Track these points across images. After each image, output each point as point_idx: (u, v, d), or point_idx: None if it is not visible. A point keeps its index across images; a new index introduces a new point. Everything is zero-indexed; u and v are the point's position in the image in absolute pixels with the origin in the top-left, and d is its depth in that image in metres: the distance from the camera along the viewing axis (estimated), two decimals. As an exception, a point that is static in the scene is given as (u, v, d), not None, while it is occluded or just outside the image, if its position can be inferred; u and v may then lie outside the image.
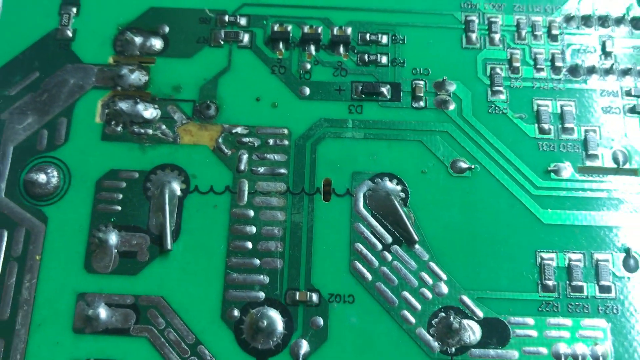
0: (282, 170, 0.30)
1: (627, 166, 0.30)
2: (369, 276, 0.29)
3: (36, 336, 0.28)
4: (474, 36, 0.32)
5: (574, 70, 0.32)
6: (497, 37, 0.32)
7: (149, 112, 0.30)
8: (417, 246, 0.29)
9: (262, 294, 0.28)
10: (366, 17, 0.32)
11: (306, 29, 0.32)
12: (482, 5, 0.33)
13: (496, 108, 0.31)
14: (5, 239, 0.29)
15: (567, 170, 0.30)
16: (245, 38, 0.32)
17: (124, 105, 0.30)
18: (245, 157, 0.30)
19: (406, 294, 0.28)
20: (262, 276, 0.29)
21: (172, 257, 0.29)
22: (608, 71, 0.32)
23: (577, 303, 0.28)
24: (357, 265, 0.29)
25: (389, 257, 0.29)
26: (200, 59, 0.32)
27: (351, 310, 0.28)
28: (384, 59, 0.32)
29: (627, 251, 0.29)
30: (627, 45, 0.32)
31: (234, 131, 0.30)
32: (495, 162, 0.30)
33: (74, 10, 0.32)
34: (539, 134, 0.31)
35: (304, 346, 0.28)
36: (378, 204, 0.30)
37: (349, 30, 0.32)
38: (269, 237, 0.29)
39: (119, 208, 0.29)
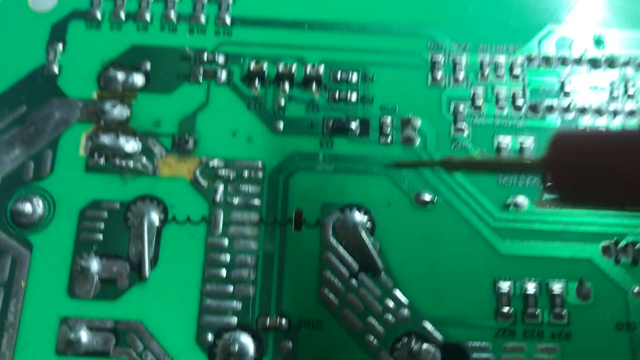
0: (256, 202, 0.32)
1: (581, 200, 0.32)
2: (336, 303, 0.30)
3: (20, 358, 0.29)
4: (439, 75, 0.34)
5: (533, 107, 0.34)
6: (461, 75, 0.34)
7: (131, 145, 0.32)
8: (382, 274, 0.31)
9: (234, 319, 0.30)
10: (338, 56, 0.34)
11: (281, 67, 0.34)
12: (448, 45, 0.35)
13: (459, 144, 0.33)
14: (-8, 266, 0.30)
15: (524, 203, 0.32)
16: (223, 75, 0.34)
17: (106, 139, 0.32)
18: (221, 188, 0.32)
19: (371, 319, 0.30)
20: (235, 302, 0.30)
21: (150, 284, 0.30)
22: (566, 109, 0.34)
23: (532, 329, 0.30)
24: (325, 292, 0.30)
25: (356, 284, 0.31)
26: (180, 94, 0.33)
27: (319, 336, 0.30)
28: (354, 96, 0.34)
29: (580, 281, 0.31)
30: (585, 85, 0.34)
31: (210, 164, 0.32)
32: (456, 195, 0.32)
33: (60, 46, 0.34)
34: (498, 168, 0.33)
35: (274, 369, 0.29)
36: (346, 234, 0.31)
37: (322, 69, 0.34)
38: (242, 265, 0.31)
39: (101, 237, 0.31)
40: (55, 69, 0.33)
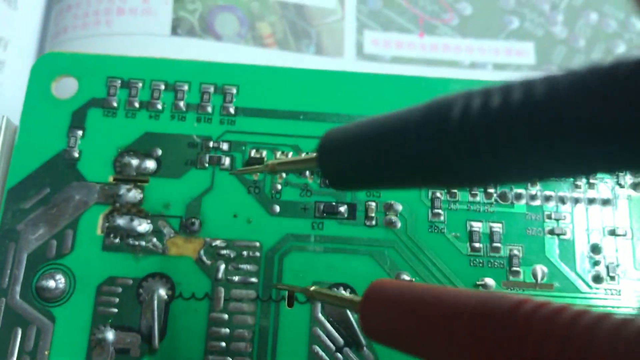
0: (253, 280, 0.36)
1: (543, 282, 0.36)
2: (323, 374, 0.34)
3: (43, 419, 0.33)
4: (420, 163, 0.38)
5: (503, 196, 0.38)
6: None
7: (143, 226, 0.36)
8: (364, 349, 0.35)
9: (233, 388, 0.34)
10: (329, 145, 0.38)
11: (279, 154, 0.38)
12: (429, 135, 0.39)
13: (435, 227, 0.37)
14: (19, 336, 0.34)
15: (492, 284, 0.36)
16: (227, 161, 0.38)
17: (121, 221, 0.36)
18: (222, 267, 0.36)
19: (353, 389, 0.34)
20: (233, 372, 0.34)
21: (159, 354, 0.34)
22: (533, 197, 0.38)
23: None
24: (313, 364, 0.35)
25: (341, 357, 0.35)
26: (187, 179, 0.37)
27: (307, 403, 0.34)
28: (343, 182, 0.37)
29: (540, 356, 0.35)
30: (550, 173, 0.38)
31: (213, 244, 0.36)
32: (433, 275, 0.36)
33: (80, 133, 0.38)
34: (470, 251, 0.37)
35: None
36: (333, 311, 0.35)
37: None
38: (240, 338, 0.35)
39: (116, 310, 0.35)
40: (76, 154, 0.37)
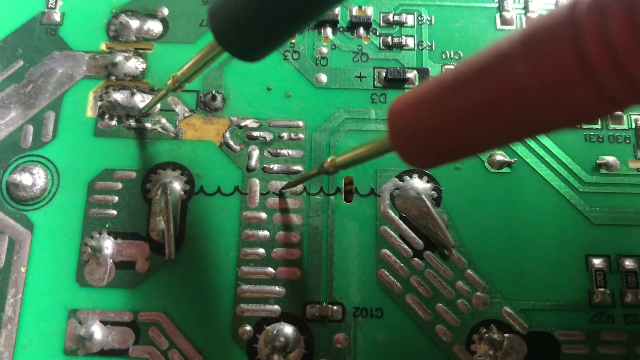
0: (298, 168, 0.27)
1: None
2: (398, 287, 0.25)
3: (22, 359, 0.24)
4: (509, 15, 0.29)
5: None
6: (535, 16, 0.29)
7: (147, 103, 0.27)
8: (453, 252, 0.26)
9: (277, 308, 0.25)
10: (389, -5, 0.29)
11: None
12: (518, -20, 0.29)
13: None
14: (-14, 249, 0.26)
15: (617, 163, 0.27)
16: (254, 20, 0.28)
17: (119, 97, 0.27)
18: (256, 153, 0.27)
19: (441, 306, 0.25)
20: (277, 287, 0.25)
21: (175, 268, 0.25)
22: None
23: (634, 313, 0.25)
24: (384, 275, 0.25)
25: (421, 264, 0.25)
26: (203, 44, 0.28)
27: (379, 326, 0.25)
28: (410, 42, 0.28)
29: (687, 254, 0.26)
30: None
31: (242, 124, 0.27)
32: (537, 156, 0.27)
33: (62, -9, 0.29)
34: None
35: (327, 368, 0.24)
36: (407, 205, 0.26)
37: (370, 11, 0.29)
38: (284, 243, 0.26)
39: (115, 212, 0.26)
40: (57, 17, 0.29)
